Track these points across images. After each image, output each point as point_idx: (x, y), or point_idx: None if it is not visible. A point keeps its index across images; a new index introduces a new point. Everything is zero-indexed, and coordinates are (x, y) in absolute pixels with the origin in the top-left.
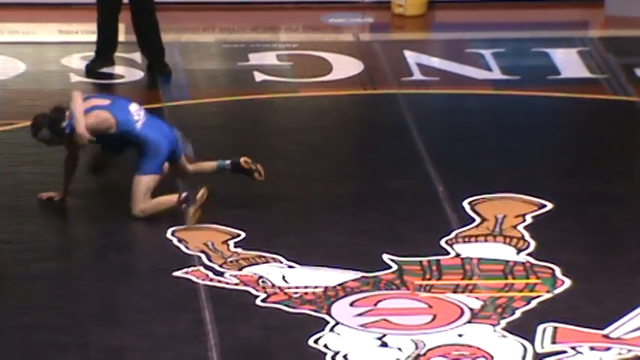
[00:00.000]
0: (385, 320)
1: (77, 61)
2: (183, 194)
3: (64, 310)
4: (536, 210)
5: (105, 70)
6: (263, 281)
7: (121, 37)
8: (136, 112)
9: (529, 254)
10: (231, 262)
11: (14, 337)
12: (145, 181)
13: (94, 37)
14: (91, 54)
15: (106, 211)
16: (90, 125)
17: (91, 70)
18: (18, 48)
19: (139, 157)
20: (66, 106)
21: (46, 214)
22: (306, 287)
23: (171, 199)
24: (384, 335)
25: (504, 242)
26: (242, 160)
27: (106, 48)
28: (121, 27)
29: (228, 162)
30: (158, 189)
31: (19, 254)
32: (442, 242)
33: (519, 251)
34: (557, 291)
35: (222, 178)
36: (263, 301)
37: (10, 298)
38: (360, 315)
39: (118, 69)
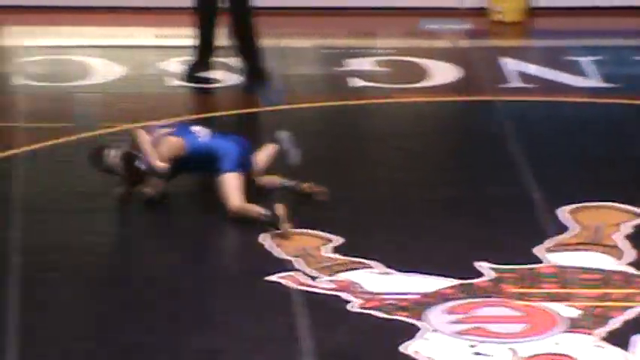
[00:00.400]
0: (480, 328)
1: (175, 65)
2: (263, 211)
3: (158, 312)
4: (633, 219)
5: (202, 74)
6: (358, 287)
7: (219, 42)
8: (198, 131)
9: (628, 264)
10: (325, 267)
11: (110, 337)
12: (228, 179)
13: (192, 42)
14: (190, 58)
15: (202, 215)
16: (163, 154)
17: (188, 75)
18: (117, 52)
19: (213, 163)
20: (133, 146)
21: (144, 217)
22: (400, 293)
23: (260, 210)
24: (479, 343)
25: (601, 251)
26: (305, 186)
27: (203, 52)
28: (219, 32)
29: (293, 183)
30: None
31: (114, 257)
32: (538, 250)
33: (617, 260)
34: None
35: (317, 182)
36: (357, 306)
37: (105, 300)
38: (454, 322)
39: (215, 73)
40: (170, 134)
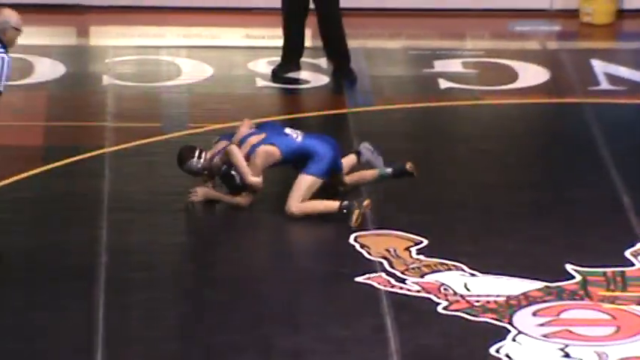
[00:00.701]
0: (568, 331)
1: (263, 66)
2: (345, 202)
3: (246, 312)
4: None
5: (291, 74)
6: (445, 289)
7: (308, 43)
8: (292, 132)
9: None
10: (413, 269)
11: (197, 337)
12: (307, 180)
13: (280, 42)
14: (278, 59)
15: (287, 217)
16: (259, 167)
17: (277, 75)
18: (205, 52)
19: (306, 161)
20: (228, 162)
21: (226, 219)
22: (488, 295)
23: (332, 205)
24: (567, 346)
25: None
26: (408, 165)
27: (292, 53)
28: (308, 32)
29: (389, 169)
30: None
31: (201, 256)
32: (627, 253)
33: None
34: None
35: (405, 184)
36: (444, 308)
37: (192, 299)
38: (542, 325)
39: (303, 74)
40: (262, 141)
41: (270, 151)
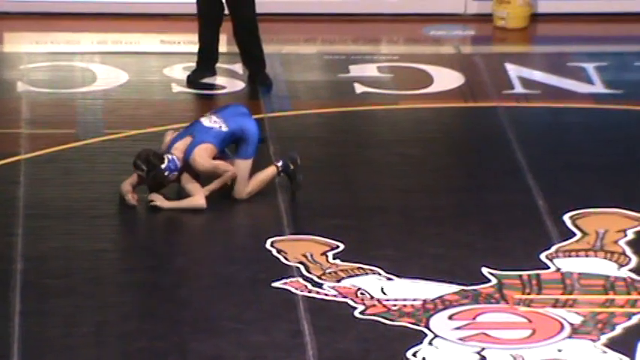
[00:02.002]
0: (484, 334)
1: (179, 72)
2: (279, 162)
3: (164, 318)
4: (637, 225)
5: (206, 80)
6: (362, 293)
7: (223, 48)
8: (213, 123)
9: (631, 270)
10: (329, 273)
11: (114, 344)
12: (245, 165)
13: (196, 48)
14: (193, 64)
15: (205, 222)
16: (208, 171)
17: (192, 81)
18: (121, 58)
19: (237, 145)
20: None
21: (145, 224)
22: (404, 299)
23: (270, 171)
24: (483, 349)
25: (605, 257)
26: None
27: (207, 58)
28: (223, 38)
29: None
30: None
31: (119, 263)
32: (542, 256)
33: (620, 267)
34: None
35: (322, 188)
36: (361, 313)
37: (110, 306)
38: (458, 328)
39: (219, 79)
40: (193, 145)
41: (208, 147)
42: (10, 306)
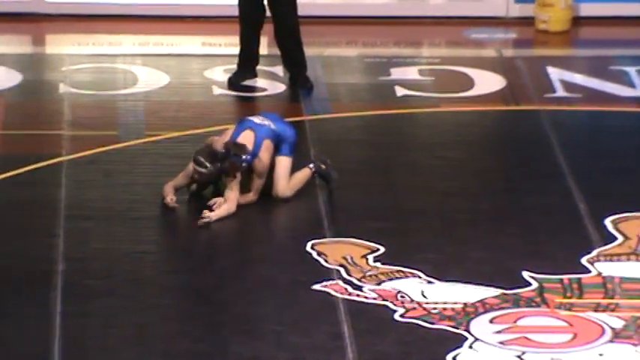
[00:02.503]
0: (525, 338)
1: (220, 74)
2: (311, 165)
3: (204, 320)
4: None
5: (247, 82)
6: (402, 296)
7: (264, 51)
8: (261, 120)
9: None
10: (369, 276)
11: (156, 346)
12: (287, 162)
13: (237, 50)
14: (234, 67)
15: (246, 224)
16: (265, 170)
17: (233, 83)
18: (162, 60)
19: (277, 145)
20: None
21: (186, 226)
22: (445, 303)
23: (306, 172)
24: (524, 353)
25: None
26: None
27: (247, 61)
28: (264, 40)
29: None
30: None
31: (161, 265)
32: (583, 260)
33: None
34: None
35: (362, 191)
36: (401, 316)
37: (152, 308)
38: (499, 332)
39: (260, 82)
40: (255, 136)
41: (269, 146)
42: (51, 307)
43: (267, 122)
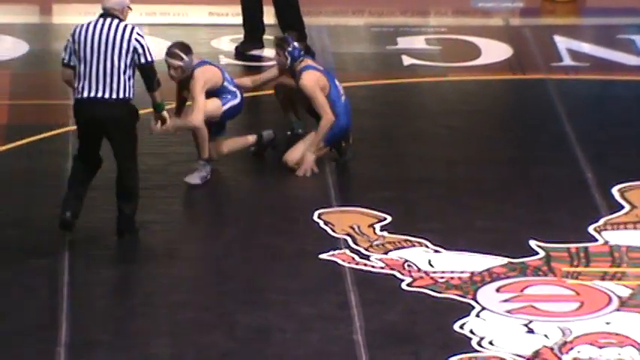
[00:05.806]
0: (532, 307)
1: (227, 44)
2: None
3: (211, 289)
4: None
5: (254, 52)
6: (409, 265)
7: (270, 20)
8: (340, 87)
9: None
10: (376, 245)
11: (162, 315)
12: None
13: (241, 20)
14: (241, 37)
15: (253, 194)
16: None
17: (240, 53)
18: (169, 30)
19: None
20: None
21: (192, 196)
22: (452, 272)
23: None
24: (530, 321)
25: None
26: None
27: (252, 30)
28: (270, 10)
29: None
30: None
31: (168, 234)
32: (590, 229)
33: None
34: None
35: (369, 161)
36: (408, 285)
37: (159, 277)
38: (506, 301)
39: (266, 51)
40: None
41: (319, 77)
42: (58, 277)
43: (342, 92)
